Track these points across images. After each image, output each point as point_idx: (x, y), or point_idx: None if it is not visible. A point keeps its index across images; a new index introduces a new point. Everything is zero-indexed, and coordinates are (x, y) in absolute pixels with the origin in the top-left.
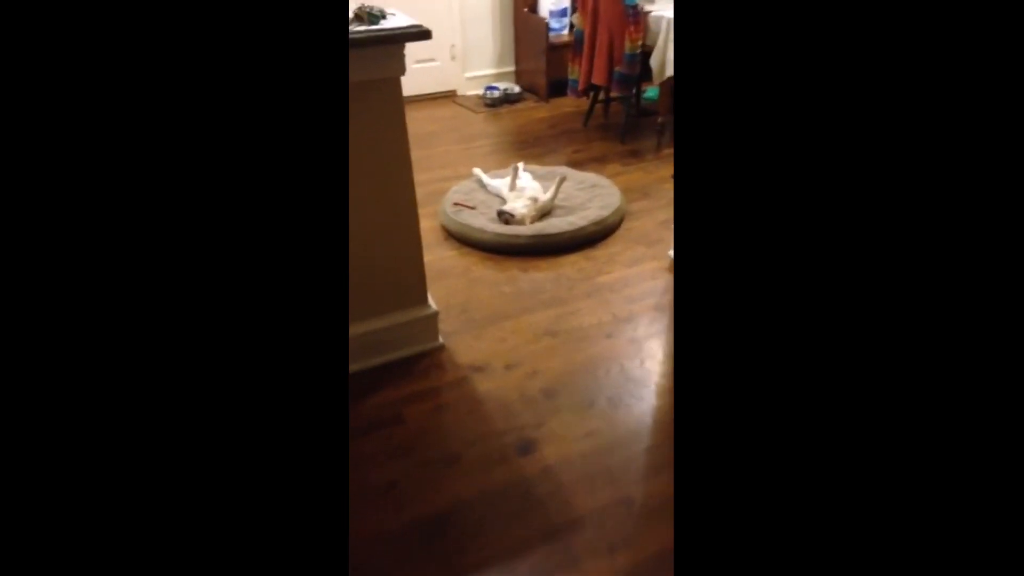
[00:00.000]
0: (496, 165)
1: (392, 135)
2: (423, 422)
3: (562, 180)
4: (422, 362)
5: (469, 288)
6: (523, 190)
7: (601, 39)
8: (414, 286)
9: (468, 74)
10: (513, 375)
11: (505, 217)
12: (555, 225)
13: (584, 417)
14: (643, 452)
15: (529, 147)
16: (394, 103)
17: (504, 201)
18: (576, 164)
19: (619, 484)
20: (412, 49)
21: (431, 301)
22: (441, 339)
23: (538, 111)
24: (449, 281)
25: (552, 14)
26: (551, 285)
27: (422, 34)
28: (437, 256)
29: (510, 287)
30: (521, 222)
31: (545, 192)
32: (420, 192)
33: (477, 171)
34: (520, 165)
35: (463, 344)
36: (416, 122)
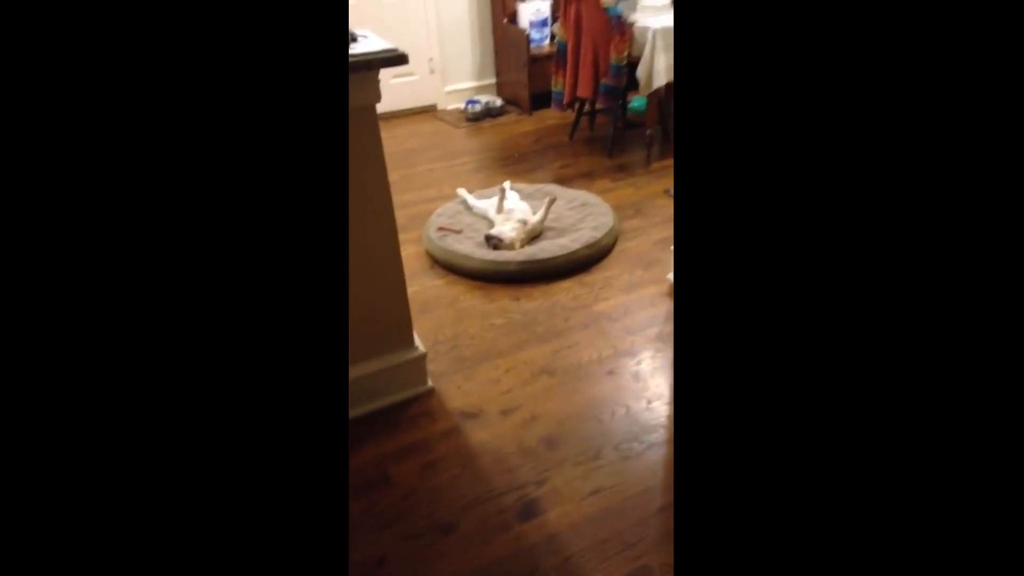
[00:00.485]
0: (481, 183)
1: (370, 169)
2: (412, 483)
3: (552, 201)
4: (410, 409)
5: (458, 321)
6: (511, 212)
7: (585, 51)
8: (399, 327)
9: (448, 88)
10: (509, 422)
11: (494, 242)
12: (546, 249)
13: (590, 471)
14: (658, 512)
15: (514, 163)
16: (370, 134)
17: (491, 224)
18: (564, 180)
19: (634, 551)
20: None
21: (417, 341)
22: (430, 382)
23: (522, 124)
24: (436, 314)
25: (532, 24)
26: (545, 316)
27: (397, 59)
28: (422, 286)
29: (502, 319)
30: (510, 247)
31: (534, 213)
32: (403, 215)
33: (462, 192)
34: (506, 184)
35: (454, 386)
36: (396, 139)
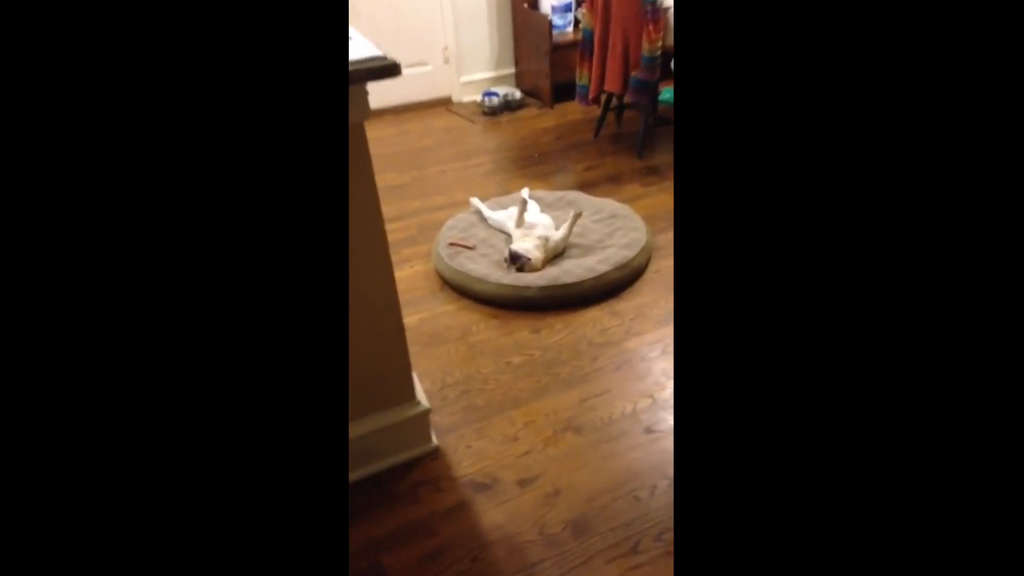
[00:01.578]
0: (497, 188)
1: (359, 200)
2: None
3: (577, 216)
4: (411, 475)
5: (469, 359)
6: (532, 227)
7: (614, 40)
8: (398, 380)
9: (464, 78)
10: (529, 497)
11: (520, 262)
12: (571, 271)
13: (626, 570)
14: None
15: (533, 165)
16: (358, 160)
17: (510, 239)
18: (588, 186)
19: None
20: (400, 52)
21: (420, 394)
22: (435, 439)
23: (542, 119)
24: (445, 349)
25: (555, 10)
26: (569, 353)
27: (386, 70)
28: (430, 312)
29: (519, 356)
30: (535, 268)
31: (557, 228)
32: (412, 225)
33: (475, 201)
34: (525, 192)
35: (463, 445)
36: (407, 136)
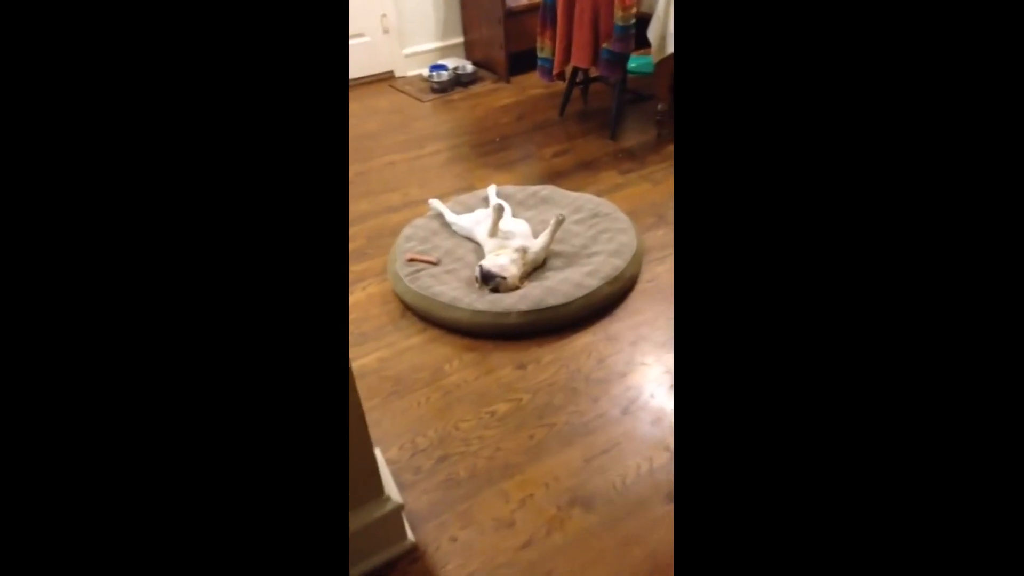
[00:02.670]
0: (457, 182)
1: None
2: None
3: (560, 223)
4: None
5: (444, 410)
6: (509, 236)
7: (582, 6)
8: (363, 475)
9: (407, 50)
10: None
11: (494, 283)
12: (556, 290)
13: None
14: None
15: (495, 151)
16: None
17: (480, 249)
18: (560, 175)
19: None
20: None
21: (389, 484)
22: (411, 533)
23: (500, 95)
24: (414, 398)
25: None
26: (565, 395)
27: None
28: (392, 348)
29: (504, 402)
30: (512, 286)
31: (534, 235)
32: (360, 233)
33: (435, 204)
34: (493, 191)
35: (446, 537)
36: (348, 120)
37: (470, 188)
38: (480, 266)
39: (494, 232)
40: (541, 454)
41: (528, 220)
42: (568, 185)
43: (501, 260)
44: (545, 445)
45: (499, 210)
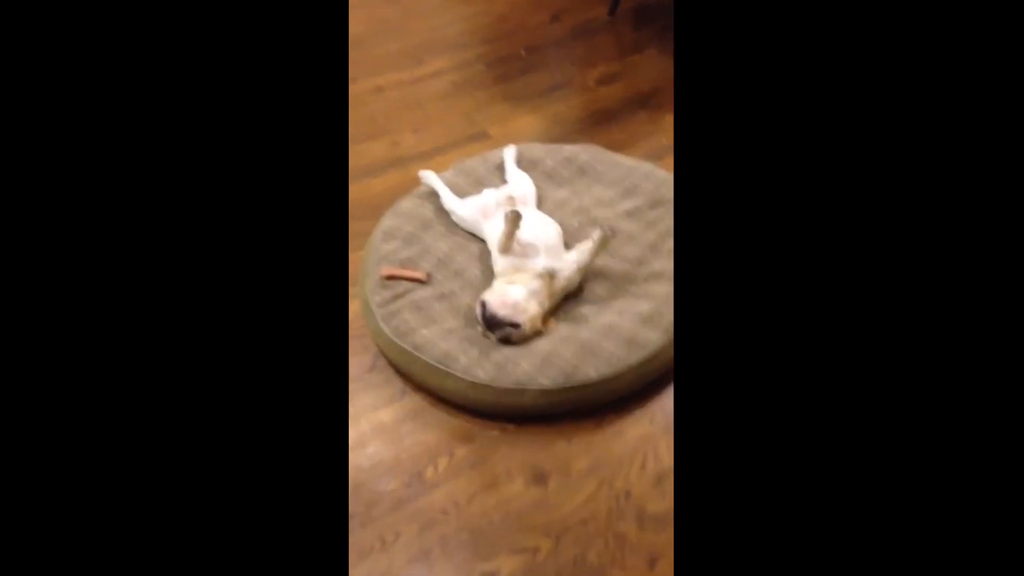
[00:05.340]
0: (463, 125)
1: None
2: None
3: (605, 241)
4: None
5: (422, 559)
6: (528, 252)
7: None
8: None
9: None
10: None
11: (504, 332)
12: (596, 350)
13: None
14: None
15: (518, 74)
16: None
17: (487, 256)
18: (607, 119)
19: None
20: None
21: None
22: None
23: None
24: (375, 531)
25: None
26: (605, 546)
27: None
28: (355, 427)
29: (513, 556)
30: (533, 332)
31: (567, 247)
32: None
33: (429, 178)
34: (510, 159)
35: None
36: None
37: (481, 136)
38: (483, 303)
39: (507, 248)
40: None
41: (559, 204)
42: (619, 134)
43: (514, 294)
44: None
45: (515, 220)
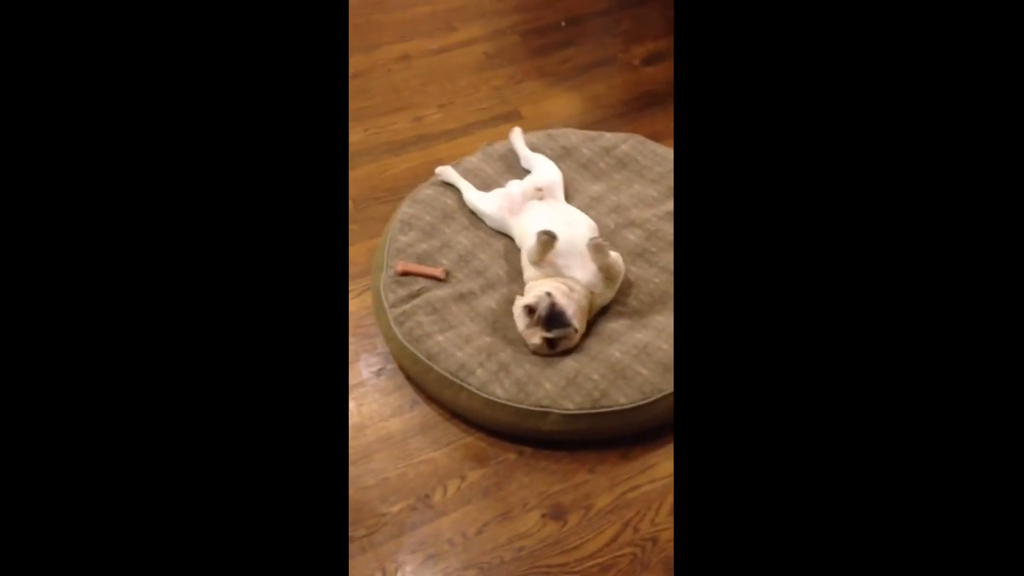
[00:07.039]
0: (494, 103)
1: None
2: None
3: (600, 248)
4: None
5: None
6: (565, 256)
7: None
8: None
9: None
10: None
11: (562, 331)
12: (627, 374)
13: None
14: None
15: (556, 47)
16: None
17: (515, 252)
18: (654, 102)
19: None
20: None
21: None
22: None
23: None
24: (375, 558)
25: None
26: None
27: None
28: (356, 437)
29: None
30: (575, 344)
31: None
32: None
33: (447, 173)
34: (519, 142)
35: None
36: None
37: (512, 116)
38: (549, 296)
39: (539, 254)
40: None
41: (594, 201)
42: (665, 123)
43: (562, 297)
44: None
45: (549, 243)
